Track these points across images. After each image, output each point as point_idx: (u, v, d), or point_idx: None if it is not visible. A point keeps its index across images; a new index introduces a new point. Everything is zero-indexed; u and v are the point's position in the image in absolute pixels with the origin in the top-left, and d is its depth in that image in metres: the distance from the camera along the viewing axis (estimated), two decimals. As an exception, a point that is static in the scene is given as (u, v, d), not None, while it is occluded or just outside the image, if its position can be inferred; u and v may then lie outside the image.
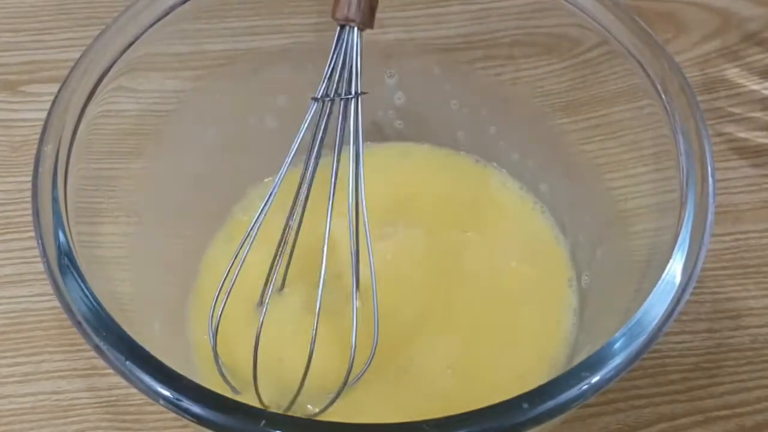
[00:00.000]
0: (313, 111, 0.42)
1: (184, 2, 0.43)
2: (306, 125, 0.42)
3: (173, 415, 0.34)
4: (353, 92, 0.41)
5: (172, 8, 0.43)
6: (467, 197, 0.53)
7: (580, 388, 0.33)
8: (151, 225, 0.46)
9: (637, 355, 0.34)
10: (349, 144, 0.41)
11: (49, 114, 0.39)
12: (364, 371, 0.44)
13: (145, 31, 0.42)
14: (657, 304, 0.35)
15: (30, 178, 0.38)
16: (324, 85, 0.41)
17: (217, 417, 0.32)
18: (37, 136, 0.39)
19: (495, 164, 0.53)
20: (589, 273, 0.48)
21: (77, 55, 0.41)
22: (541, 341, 0.47)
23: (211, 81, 0.48)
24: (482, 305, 0.48)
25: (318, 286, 0.41)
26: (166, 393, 0.33)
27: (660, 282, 0.36)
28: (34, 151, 0.38)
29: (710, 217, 0.37)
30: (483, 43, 0.49)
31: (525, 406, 0.32)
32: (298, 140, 0.42)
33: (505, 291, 0.49)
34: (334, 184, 0.41)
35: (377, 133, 0.53)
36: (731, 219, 0.55)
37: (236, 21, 0.48)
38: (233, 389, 0.44)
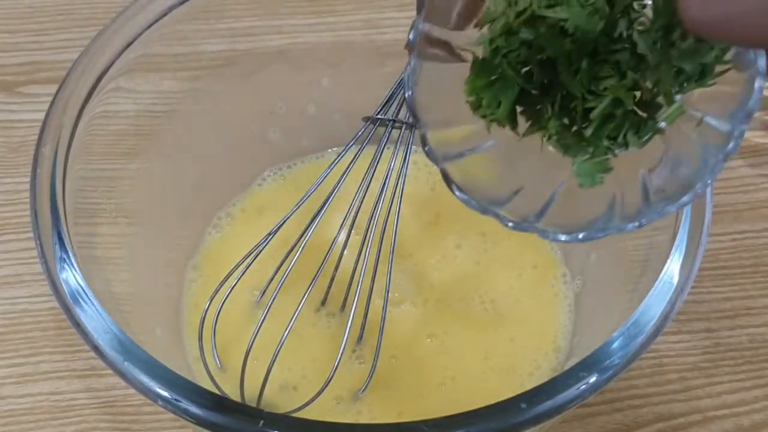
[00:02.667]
0: (364, 130, 0.42)
1: (182, 3, 0.43)
2: (353, 142, 0.42)
3: (171, 415, 0.34)
4: (407, 121, 0.41)
5: (170, 9, 0.43)
6: (452, 201, 0.52)
7: (578, 388, 0.33)
8: (149, 226, 0.46)
9: (635, 355, 0.34)
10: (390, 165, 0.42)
11: (48, 115, 0.39)
12: (367, 384, 0.45)
13: (144, 31, 0.42)
14: (655, 304, 0.35)
15: (28, 179, 0.38)
16: (381, 108, 0.42)
17: (216, 417, 0.32)
18: (35, 137, 0.39)
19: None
20: (583, 277, 0.48)
21: (75, 56, 0.41)
22: (537, 340, 0.47)
23: (209, 82, 0.48)
24: (475, 308, 0.48)
25: (320, 285, 0.41)
26: (165, 393, 0.33)
27: (657, 282, 0.36)
28: (33, 152, 0.38)
29: (708, 216, 0.37)
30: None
31: (523, 406, 0.32)
32: (341, 156, 0.42)
33: (498, 293, 0.49)
34: (364, 192, 0.42)
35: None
36: (729, 219, 0.55)
37: (234, 22, 0.48)
38: (221, 392, 0.44)
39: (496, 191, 0.34)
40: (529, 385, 0.34)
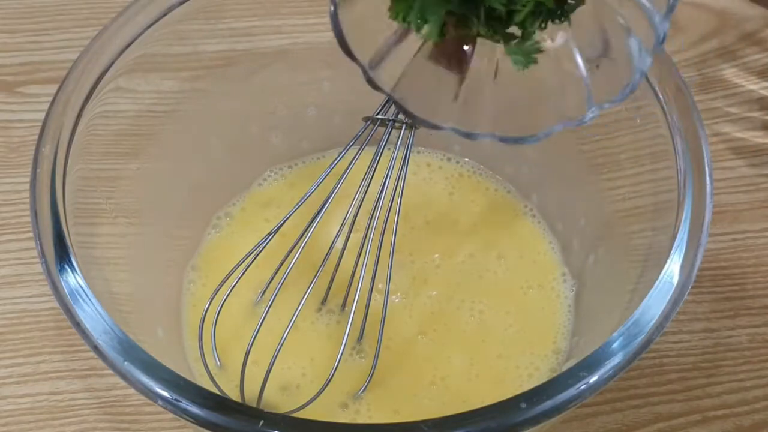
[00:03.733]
0: (364, 130, 0.42)
1: (181, 3, 0.43)
2: (353, 142, 0.42)
3: (171, 415, 0.34)
4: (407, 121, 0.41)
5: (170, 9, 0.43)
6: (455, 201, 0.53)
7: (578, 388, 0.33)
8: (149, 226, 0.46)
9: (635, 355, 0.34)
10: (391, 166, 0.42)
11: (47, 115, 0.39)
12: (367, 385, 0.45)
13: (144, 31, 0.42)
14: (655, 304, 0.35)
15: (28, 179, 0.38)
16: (381, 108, 0.42)
17: (216, 417, 0.32)
18: (35, 137, 0.39)
19: (484, 167, 0.54)
20: (582, 277, 0.48)
21: (75, 56, 0.41)
22: (537, 340, 0.47)
23: (209, 82, 0.48)
24: (462, 313, 0.48)
25: (320, 284, 0.41)
26: (165, 393, 0.33)
27: (658, 282, 0.36)
28: (32, 152, 0.38)
29: (708, 216, 0.37)
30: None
31: (523, 406, 0.32)
32: (341, 156, 0.42)
33: (489, 307, 0.48)
34: (363, 192, 0.42)
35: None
36: (729, 219, 0.55)
37: (234, 22, 0.48)
38: (221, 392, 0.44)
39: (445, 101, 0.34)
40: (528, 386, 0.34)
